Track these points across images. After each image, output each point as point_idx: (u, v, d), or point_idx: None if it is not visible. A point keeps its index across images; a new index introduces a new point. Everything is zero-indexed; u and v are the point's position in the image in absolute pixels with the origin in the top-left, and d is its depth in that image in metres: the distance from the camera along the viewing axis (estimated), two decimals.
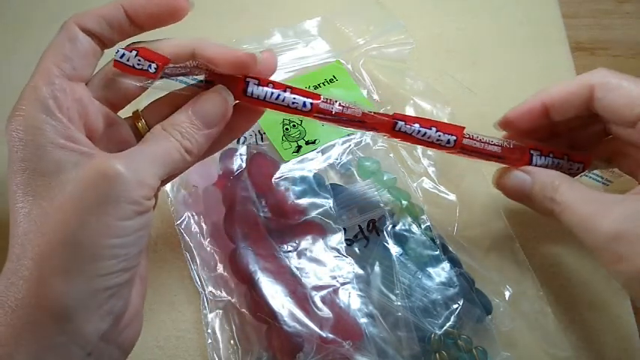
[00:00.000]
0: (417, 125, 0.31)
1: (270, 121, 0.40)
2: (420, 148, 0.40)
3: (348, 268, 0.34)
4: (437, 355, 0.32)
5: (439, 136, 0.31)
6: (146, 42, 0.28)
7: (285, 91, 0.30)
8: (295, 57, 0.44)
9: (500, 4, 0.51)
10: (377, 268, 0.34)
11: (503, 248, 0.37)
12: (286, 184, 0.37)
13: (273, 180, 0.37)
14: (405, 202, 0.37)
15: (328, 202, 0.36)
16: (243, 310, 0.33)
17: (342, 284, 0.33)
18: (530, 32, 0.49)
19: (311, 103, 0.30)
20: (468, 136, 0.32)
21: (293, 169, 0.38)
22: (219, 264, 0.35)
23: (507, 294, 0.35)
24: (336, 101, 0.31)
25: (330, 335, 0.31)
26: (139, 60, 0.27)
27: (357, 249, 0.35)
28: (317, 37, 0.45)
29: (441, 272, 0.34)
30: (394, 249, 0.35)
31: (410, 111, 0.41)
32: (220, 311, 0.34)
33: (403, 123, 0.31)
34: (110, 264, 0.23)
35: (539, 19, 0.50)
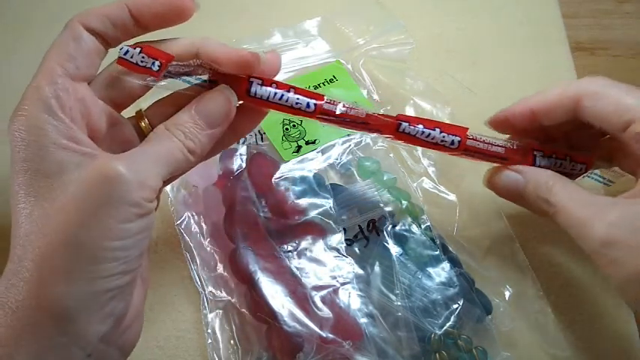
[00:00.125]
0: (420, 126, 0.31)
1: (270, 121, 0.40)
2: (420, 148, 0.40)
3: (348, 268, 0.34)
4: (437, 355, 0.32)
5: (443, 137, 0.31)
6: (151, 41, 0.28)
7: (288, 91, 0.29)
8: (295, 57, 0.44)
9: (500, 4, 0.51)
10: (377, 268, 0.34)
11: (503, 248, 0.37)
12: (286, 184, 0.37)
13: (273, 180, 0.37)
14: (405, 202, 0.37)
15: (328, 202, 0.36)
16: (243, 310, 0.33)
17: (342, 284, 0.33)
18: (530, 32, 0.49)
19: (314, 104, 0.30)
20: (471, 137, 0.31)
21: (293, 169, 0.38)
22: (219, 264, 0.35)
23: (507, 294, 0.35)
24: (339, 102, 0.30)
25: (330, 335, 0.31)
26: (143, 57, 0.27)
27: (357, 249, 0.35)
28: (317, 37, 0.45)
29: (441, 272, 0.34)
30: (394, 249, 0.35)
31: (410, 111, 0.41)
32: (220, 311, 0.34)
33: (407, 124, 0.31)
34: (111, 266, 0.23)
35: (539, 19, 0.50)
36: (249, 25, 0.49)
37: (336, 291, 0.33)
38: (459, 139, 0.31)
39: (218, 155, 0.37)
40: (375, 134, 0.31)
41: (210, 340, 0.33)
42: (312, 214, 0.36)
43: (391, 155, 0.40)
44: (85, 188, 0.23)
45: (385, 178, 0.38)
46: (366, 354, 0.31)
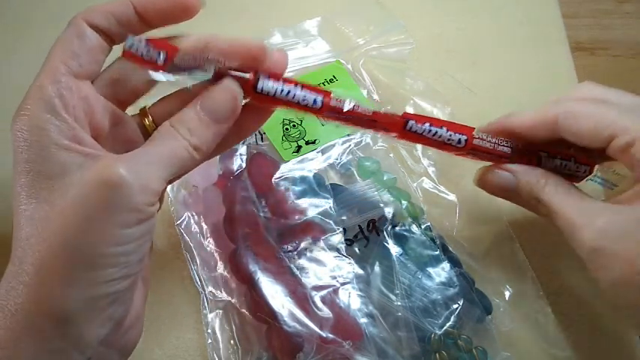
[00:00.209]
0: (427, 124, 0.30)
1: (270, 121, 0.39)
2: (420, 148, 0.40)
3: (348, 268, 0.34)
4: (437, 355, 0.32)
5: (450, 135, 0.31)
6: (158, 38, 0.27)
7: (295, 87, 0.28)
8: (295, 57, 0.44)
9: (500, 4, 0.51)
10: (377, 268, 0.34)
11: (503, 248, 0.37)
12: (286, 184, 0.37)
13: (273, 180, 0.37)
14: (405, 202, 0.37)
15: (328, 202, 0.36)
16: (243, 310, 0.33)
17: (342, 284, 0.33)
18: (530, 32, 0.49)
19: (322, 101, 0.29)
20: (477, 136, 0.31)
21: (293, 169, 0.38)
22: (219, 264, 0.35)
23: (507, 294, 0.35)
24: (346, 99, 0.30)
25: (330, 335, 0.31)
26: (148, 48, 0.26)
27: (357, 249, 0.35)
28: (317, 37, 0.45)
29: (441, 272, 0.34)
30: (394, 249, 0.35)
31: (410, 111, 0.41)
32: (220, 311, 0.34)
33: (414, 122, 0.30)
34: (111, 271, 0.23)
35: (539, 19, 0.50)
36: (249, 25, 0.49)
37: (336, 291, 0.33)
38: (465, 137, 0.31)
39: (218, 155, 0.37)
40: (380, 132, 0.31)
41: (210, 340, 0.33)
42: (312, 214, 0.36)
43: (391, 155, 0.40)
44: (85, 192, 0.23)
45: (385, 178, 0.38)
46: (366, 354, 0.31)
